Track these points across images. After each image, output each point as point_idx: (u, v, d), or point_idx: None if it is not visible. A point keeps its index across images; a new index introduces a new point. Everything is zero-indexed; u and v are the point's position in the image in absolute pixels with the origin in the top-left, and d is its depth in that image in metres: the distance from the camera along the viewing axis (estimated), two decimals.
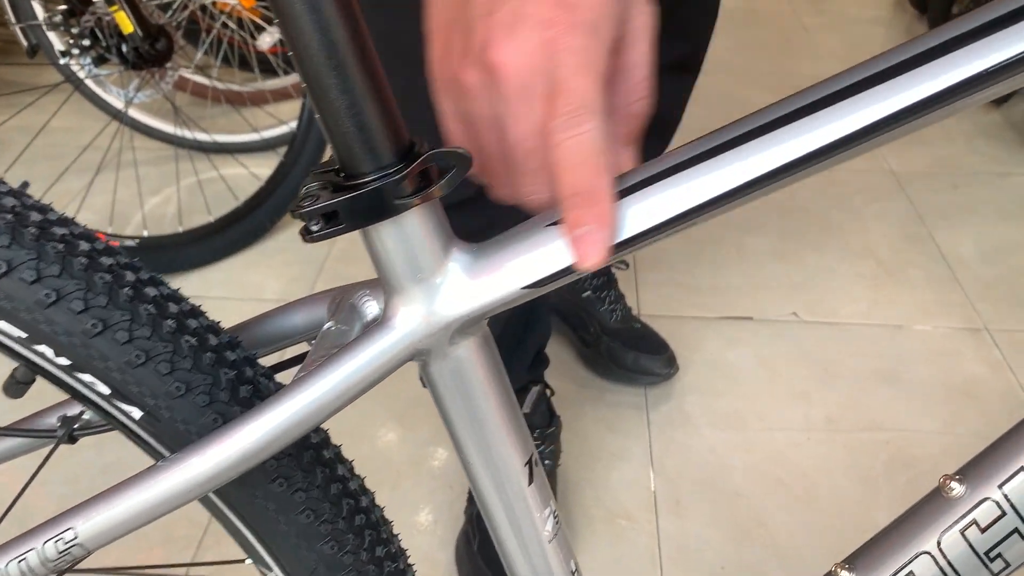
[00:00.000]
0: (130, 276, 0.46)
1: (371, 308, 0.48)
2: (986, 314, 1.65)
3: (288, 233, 1.90)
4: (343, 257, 1.81)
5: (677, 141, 1.26)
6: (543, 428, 1.26)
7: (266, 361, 0.54)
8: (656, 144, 1.23)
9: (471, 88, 0.42)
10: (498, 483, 0.49)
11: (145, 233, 1.78)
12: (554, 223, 0.42)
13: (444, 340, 0.44)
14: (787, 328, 1.63)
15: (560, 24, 0.40)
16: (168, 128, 2.07)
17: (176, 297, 0.48)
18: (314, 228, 0.41)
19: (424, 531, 1.27)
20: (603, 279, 1.53)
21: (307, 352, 0.53)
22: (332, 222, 0.41)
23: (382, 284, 0.45)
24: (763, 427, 1.44)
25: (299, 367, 0.45)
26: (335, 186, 0.41)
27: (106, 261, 0.46)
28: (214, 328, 0.49)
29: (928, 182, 2.02)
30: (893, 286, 1.73)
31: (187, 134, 2.04)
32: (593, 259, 0.40)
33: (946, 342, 1.60)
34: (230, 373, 0.48)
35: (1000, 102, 2.31)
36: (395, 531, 0.57)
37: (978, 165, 2.09)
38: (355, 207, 0.40)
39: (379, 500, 0.57)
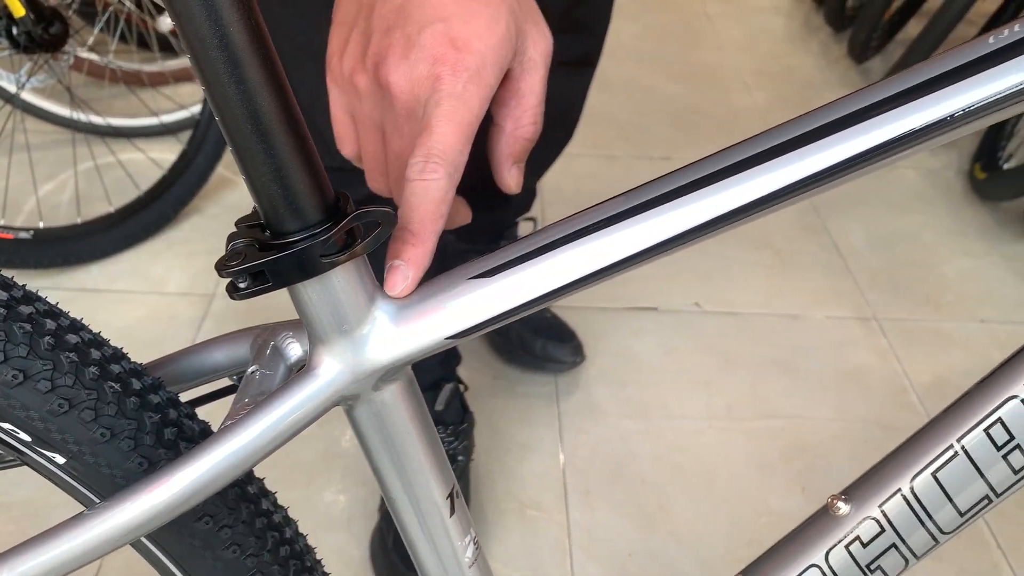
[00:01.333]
0: (50, 324, 0.46)
1: (294, 351, 0.50)
2: (875, 303, 1.74)
3: (192, 222, 1.86)
4: None
5: (582, 130, 1.29)
6: (456, 424, 1.28)
7: (187, 395, 0.54)
8: (559, 137, 1.27)
9: (362, 91, 0.47)
10: (421, 517, 0.51)
11: (40, 224, 1.72)
12: (478, 276, 0.44)
13: (369, 386, 0.46)
14: (690, 318, 1.69)
15: (447, 63, 0.43)
16: (64, 111, 2.00)
17: (98, 342, 0.48)
18: (241, 285, 0.42)
19: (338, 528, 1.28)
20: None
21: (228, 386, 0.54)
22: (259, 280, 0.42)
23: (307, 332, 0.46)
24: (667, 416, 1.50)
25: (226, 416, 0.46)
26: (261, 244, 0.42)
27: (25, 310, 0.46)
28: (137, 371, 0.49)
29: None
30: (789, 275, 1.81)
31: (83, 117, 1.97)
32: (397, 291, 0.44)
33: (838, 331, 1.68)
34: (154, 417, 0.48)
35: (860, 61, 2.41)
36: (318, 556, 0.58)
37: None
38: (282, 267, 0.41)
39: (291, 498, 0.58)
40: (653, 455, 1.43)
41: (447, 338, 0.44)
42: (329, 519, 1.30)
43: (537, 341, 1.52)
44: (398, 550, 1.19)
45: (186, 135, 1.85)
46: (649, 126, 2.28)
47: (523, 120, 0.48)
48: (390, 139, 0.47)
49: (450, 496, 0.52)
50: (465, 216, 0.50)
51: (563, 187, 1.99)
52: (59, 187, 1.94)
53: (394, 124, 0.46)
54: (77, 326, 0.48)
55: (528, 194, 1.40)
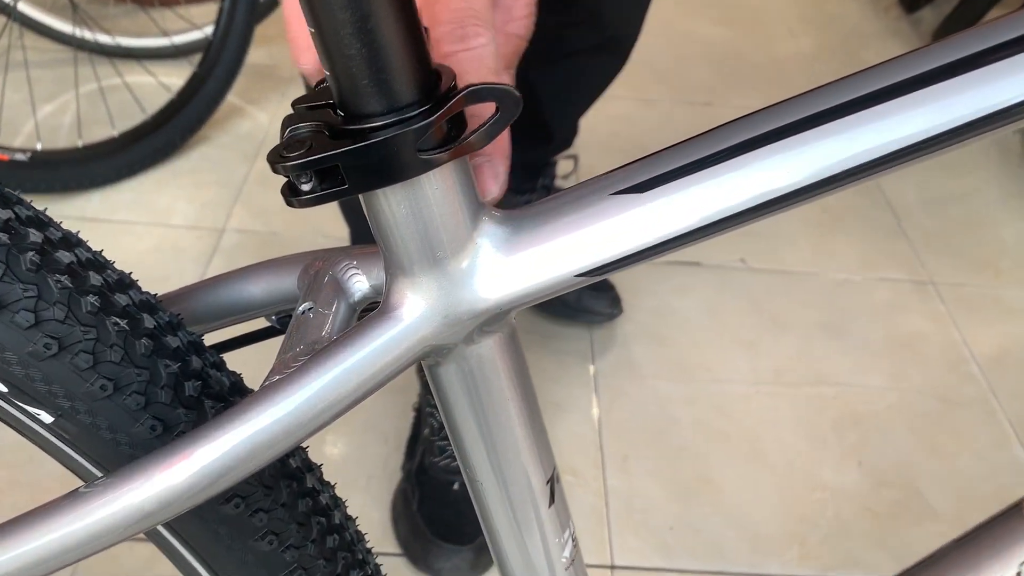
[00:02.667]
0: (34, 236, 0.34)
1: (359, 286, 0.38)
2: (930, 267, 1.62)
3: (201, 151, 1.73)
4: (265, 180, 1.65)
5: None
6: None
7: (211, 337, 0.43)
8: (612, 61, 1.14)
9: None
10: (514, 506, 0.40)
11: (38, 146, 1.59)
12: (624, 191, 0.32)
13: (462, 336, 0.34)
14: (735, 275, 1.57)
15: None
16: (65, 27, 1.85)
17: (99, 264, 0.37)
18: (304, 187, 0.30)
19: (355, 488, 1.18)
20: (542, 185, 1.41)
21: (265, 329, 0.43)
22: (330, 181, 0.30)
23: (384, 260, 0.34)
24: (710, 378, 1.38)
25: (272, 368, 0.34)
26: (333, 130, 0.30)
27: (1, 214, 0.34)
28: (151, 305, 0.38)
29: None
30: (839, 234, 1.69)
31: (87, 35, 1.83)
32: (494, 192, 0.34)
33: (891, 294, 1.57)
34: (172, 365, 0.37)
35: (910, 10, 2.27)
36: (369, 547, 0.47)
37: None
38: (364, 163, 0.29)
39: None
40: (695, 420, 1.32)
41: (579, 274, 0.32)
42: (344, 478, 1.19)
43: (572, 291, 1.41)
44: (423, 512, 1.08)
45: (197, 58, 1.71)
46: (688, 70, 2.13)
47: (515, 12, 0.39)
48: None
49: (550, 481, 0.40)
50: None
51: (598, 129, 1.85)
52: (60, 109, 1.81)
53: None
54: (72, 241, 0.36)
55: (570, 129, 1.28)
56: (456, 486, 1.10)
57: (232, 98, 1.79)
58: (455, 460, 1.11)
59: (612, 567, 1.12)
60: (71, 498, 0.33)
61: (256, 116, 1.83)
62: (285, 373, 0.33)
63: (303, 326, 0.36)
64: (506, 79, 0.37)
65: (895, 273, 1.61)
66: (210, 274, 1.46)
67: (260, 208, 1.59)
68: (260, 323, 0.44)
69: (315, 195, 0.29)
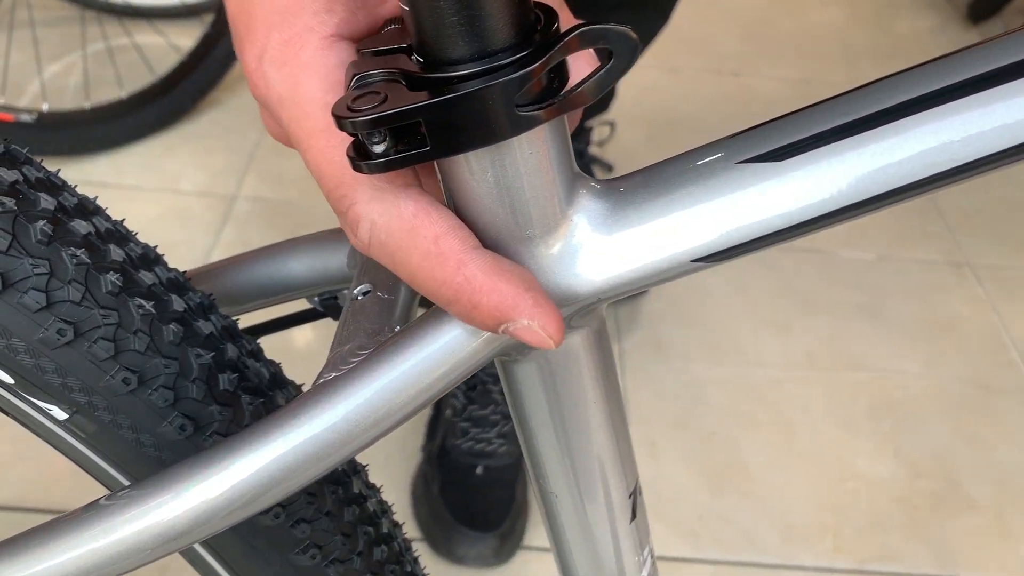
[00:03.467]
0: (46, 201, 0.29)
1: None
2: (968, 248, 1.57)
3: (212, 116, 1.67)
4: (278, 146, 1.59)
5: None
6: None
7: (245, 319, 0.37)
8: (654, 17, 1.08)
9: None
10: (592, 521, 0.35)
11: (45, 107, 1.53)
12: (754, 158, 0.27)
13: None
14: (765, 253, 1.50)
15: None
16: None
17: (121, 235, 0.31)
18: (377, 148, 0.24)
19: (372, 467, 1.12)
20: (578, 148, 1.35)
21: (306, 311, 0.37)
22: (409, 142, 0.24)
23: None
24: (740, 361, 1.33)
25: (327, 362, 0.29)
26: (412, 79, 0.24)
27: (4, 176, 0.28)
28: (179, 283, 0.32)
29: None
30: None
31: None
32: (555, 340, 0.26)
33: (928, 276, 1.51)
34: (204, 355, 0.31)
35: (978, 19, 2.20)
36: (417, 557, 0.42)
37: None
38: (453, 120, 0.24)
39: None
40: (725, 405, 1.27)
41: (697, 259, 0.27)
42: (360, 458, 1.14)
43: None
44: (445, 496, 1.04)
45: (210, 17, 1.65)
46: (715, 38, 2.06)
47: None
48: None
49: (633, 495, 0.35)
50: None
51: (622, 97, 1.78)
52: (66, 69, 1.74)
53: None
54: (89, 208, 0.31)
55: (609, 91, 1.21)
56: (480, 470, 1.05)
57: None
58: (479, 442, 1.06)
59: None
60: (91, 512, 0.28)
61: None
62: (343, 370, 0.28)
63: (360, 313, 0.30)
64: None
65: (931, 254, 1.55)
66: (221, 244, 1.41)
67: (273, 175, 1.53)
68: (298, 305, 0.39)
69: (390, 158, 0.24)
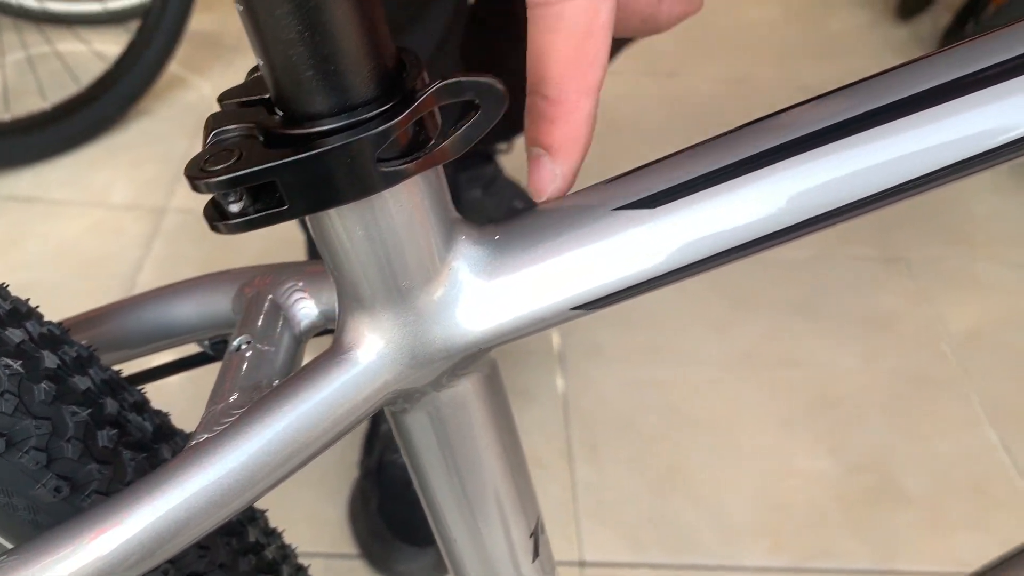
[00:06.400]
0: None
1: (306, 312, 0.31)
2: (900, 243, 1.59)
3: (141, 126, 1.63)
4: None
5: None
6: None
7: (132, 364, 0.36)
8: None
9: None
10: (493, 563, 0.34)
11: None
12: (629, 205, 0.26)
13: (434, 378, 0.28)
14: None
15: None
16: None
17: None
18: (233, 208, 0.23)
19: (308, 485, 1.11)
20: (489, 174, 1.34)
21: (195, 355, 0.36)
22: (265, 201, 0.23)
23: (336, 289, 0.28)
24: (680, 362, 1.34)
25: (202, 419, 0.28)
26: (269, 135, 0.23)
27: None
28: (53, 337, 0.31)
29: None
30: None
31: None
32: (544, 195, 0.27)
33: (863, 272, 1.53)
34: (81, 413, 0.30)
35: (907, 16, 2.24)
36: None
37: None
38: (309, 178, 0.23)
39: None
40: (665, 406, 1.28)
41: (576, 307, 0.27)
42: (297, 474, 1.12)
43: None
44: (384, 512, 1.02)
45: (135, 24, 1.61)
46: (651, 40, 2.06)
47: None
48: None
49: (534, 534, 0.34)
50: (682, 8, 0.32)
51: None
52: None
53: None
54: None
55: None
56: None
57: (174, 67, 1.69)
58: None
59: (581, 563, 1.08)
60: None
61: (200, 87, 1.73)
62: (215, 431, 0.27)
63: (238, 366, 0.29)
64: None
65: (865, 249, 1.57)
66: (152, 258, 1.37)
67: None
68: (191, 348, 0.38)
69: (246, 219, 0.23)
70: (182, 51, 1.65)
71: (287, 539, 0.40)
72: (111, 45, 1.66)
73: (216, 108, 0.26)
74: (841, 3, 2.35)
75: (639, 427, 1.24)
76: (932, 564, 1.14)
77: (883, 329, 1.43)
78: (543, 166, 0.27)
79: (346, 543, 1.05)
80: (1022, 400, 1.34)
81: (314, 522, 1.08)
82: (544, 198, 0.27)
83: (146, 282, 1.32)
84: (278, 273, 0.32)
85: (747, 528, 1.14)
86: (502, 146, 1.30)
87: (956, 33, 2.09)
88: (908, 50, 2.17)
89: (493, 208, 1.32)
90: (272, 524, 0.40)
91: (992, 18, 1.95)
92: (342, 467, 1.13)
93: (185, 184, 1.26)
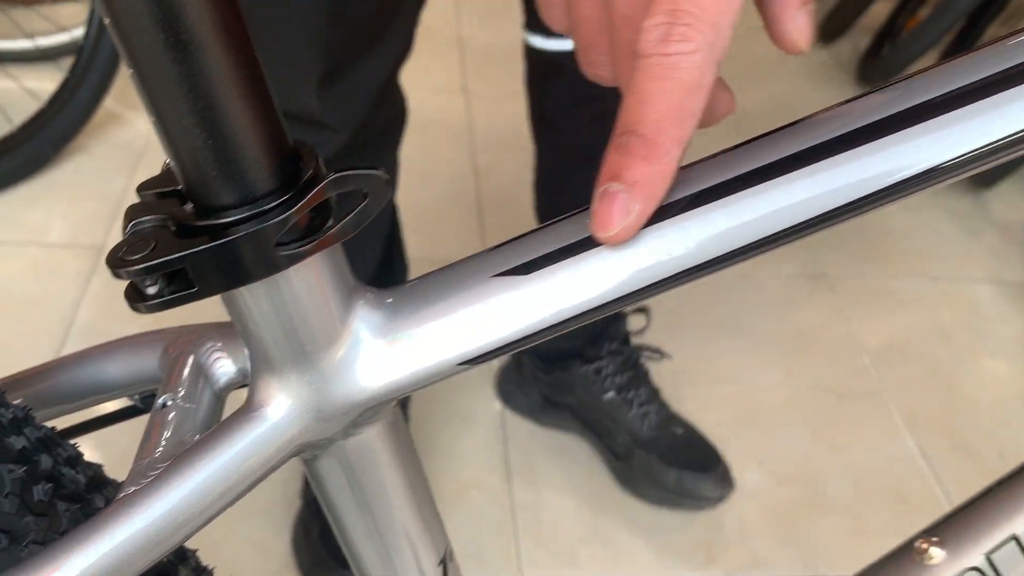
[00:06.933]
0: None
1: (224, 370, 0.35)
2: (823, 260, 1.66)
3: (76, 163, 1.64)
4: None
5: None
6: None
7: (67, 418, 0.39)
8: None
9: None
10: None
11: None
12: (506, 272, 0.30)
13: (339, 429, 0.32)
14: None
15: None
16: None
17: None
18: (150, 291, 0.27)
19: (255, 515, 1.13)
20: (629, 374, 1.24)
21: (127, 408, 0.39)
22: (177, 283, 0.27)
23: (249, 353, 0.31)
24: None
25: (129, 473, 0.31)
26: (181, 226, 0.27)
27: None
28: None
29: (762, 122, 2.00)
30: None
31: None
32: (610, 231, 0.29)
33: (789, 289, 1.60)
34: (17, 471, 0.33)
35: (828, 40, 2.33)
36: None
37: (810, 103, 2.09)
38: (215, 264, 0.26)
39: None
40: None
41: (461, 363, 0.30)
42: (244, 505, 1.14)
43: (670, 471, 1.20)
44: (325, 541, 1.05)
45: (68, 62, 1.62)
46: None
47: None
48: None
49: (442, 562, 0.38)
50: (727, 107, 0.33)
51: (502, 130, 1.83)
52: None
53: None
54: None
55: None
56: None
57: (109, 103, 1.70)
58: None
59: None
60: None
61: (135, 123, 1.74)
62: (142, 483, 0.30)
63: (162, 422, 0.32)
64: (799, 24, 0.31)
65: (790, 268, 1.64)
66: (90, 297, 1.38)
67: None
68: (124, 401, 0.40)
69: (162, 299, 0.26)
70: (117, 87, 1.66)
71: (233, 570, 0.43)
72: (44, 83, 1.66)
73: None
74: (761, 27, 2.43)
75: (574, 447, 1.28)
76: (853, 567, 1.19)
77: (806, 344, 1.50)
78: (617, 201, 0.28)
79: (291, 572, 1.07)
80: (938, 409, 1.42)
81: (262, 551, 1.10)
82: (611, 233, 0.28)
83: (85, 320, 1.32)
84: (199, 334, 0.35)
85: (681, 542, 1.18)
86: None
87: (874, 55, 2.18)
88: (830, 73, 2.26)
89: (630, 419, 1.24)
90: (206, 561, 0.43)
91: (906, 40, 2.04)
92: (286, 498, 1.15)
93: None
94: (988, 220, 1.81)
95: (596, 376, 1.23)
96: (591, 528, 1.18)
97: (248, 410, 0.30)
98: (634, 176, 0.28)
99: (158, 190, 0.28)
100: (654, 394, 1.26)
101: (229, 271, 0.26)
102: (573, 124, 1.05)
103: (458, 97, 1.88)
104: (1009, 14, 2.05)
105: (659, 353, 1.30)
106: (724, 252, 0.30)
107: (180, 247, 0.26)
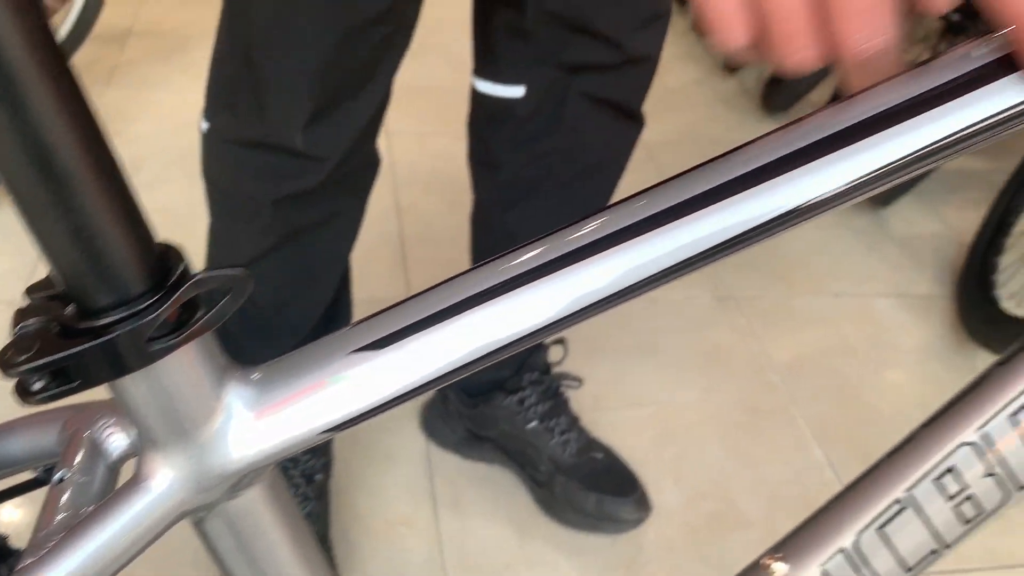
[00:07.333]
0: None
1: (117, 444, 0.38)
2: (731, 282, 1.74)
3: None
4: None
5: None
6: None
7: None
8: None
9: None
10: None
11: None
12: (363, 348, 0.34)
13: (221, 494, 0.36)
14: None
15: None
16: None
17: None
18: (36, 387, 0.30)
19: (185, 564, 1.15)
20: (550, 403, 1.29)
21: (31, 480, 0.42)
22: (63, 379, 0.30)
23: (135, 430, 0.35)
24: None
25: (28, 544, 0.34)
26: (64, 327, 0.31)
27: None
28: None
29: (673, 150, 2.10)
30: None
31: None
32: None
33: (698, 311, 1.67)
34: None
35: (735, 68, 2.43)
36: None
37: (718, 132, 2.20)
38: (93, 361, 0.30)
39: None
40: None
41: (323, 432, 0.34)
42: (173, 552, 1.16)
43: (590, 496, 1.25)
44: None
45: None
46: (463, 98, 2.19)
47: None
48: None
49: None
50: None
51: (419, 167, 1.88)
52: None
53: None
54: None
55: None
56: None
57: None
58: None
59: None
60: None
61: None
62: (39, 555, 0.33)
63: (59, 495, 0.36)
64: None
65: (699, 291, 1.71)
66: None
67: None
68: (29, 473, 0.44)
69: (48, 393, 0.30)
70: None
71: None
72: None
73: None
74: (673, 59, 2.53)
75: (497, 478, 1.32)
76: None
77: (718, 364, 1.56)
78: None
79: None
80: (844, 420, 1.49)
81: None
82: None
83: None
84: (94, 411, 0.39)
85: (604, 562, 1.23)
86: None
87: (776, 82, 2.28)
88: (736, 101, 2.36)
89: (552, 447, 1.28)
90: None
91: None
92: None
93: (42, 272, 1.30)
94: (887, 236, 1.91)
95: (519, 406, 1.28)
96: (517, 554, 1.22)
97: (135, 482, 0.34)
98: None
99: (45, 293, 0.32)
100: (574, 422, 1.31)
101: (108, 366, 0.30)
102: (516, 164, 1.10)
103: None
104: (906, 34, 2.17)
105: (578, 381, 1.35)
106: (572, 311, 0.34)
107: (62, 347, 0.30)
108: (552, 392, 1.30)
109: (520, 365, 1.28)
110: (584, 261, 0.34)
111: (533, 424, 1.27)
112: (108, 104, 1.94)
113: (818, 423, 1.48)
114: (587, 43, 0.97)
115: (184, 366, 0.32)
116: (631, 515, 1.25)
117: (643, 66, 1.03)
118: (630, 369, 1.53)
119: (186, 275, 0.31)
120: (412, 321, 0.34)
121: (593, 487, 1.24)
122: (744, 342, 1.61)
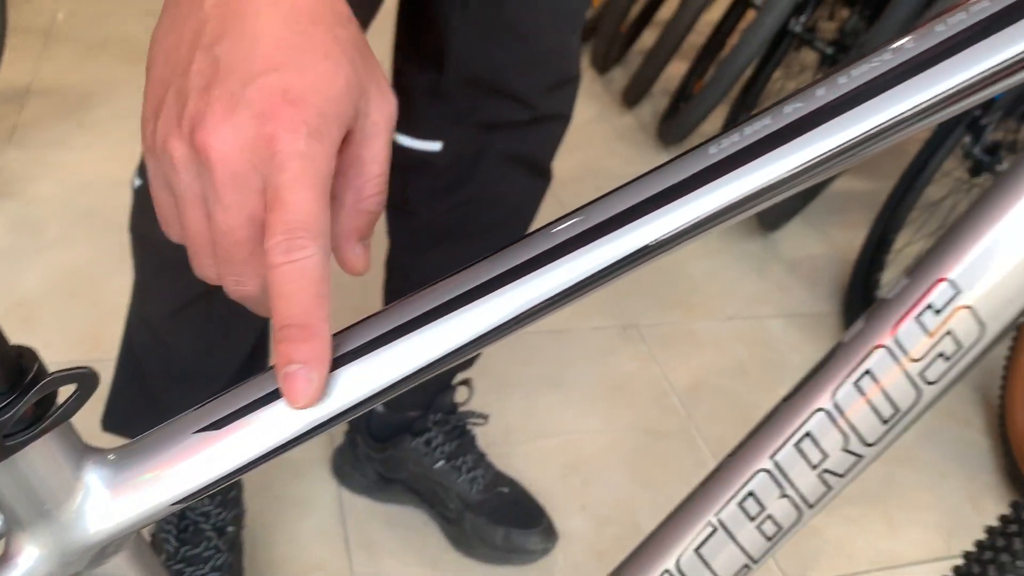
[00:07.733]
0: None
1: None
2: (632, 311, 1.82)
3: None
4: (27, 298, 1.58)
5: None
6: (223, 493, 1.20)
7: None
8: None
9: (177, 161, 0.38)
10: None
11: None
12: (205, 428, 0.39)
13: (86, 564, 0.40)
14: None
15: (280, 120, 0.36)
16: None
17: None
18: None
19: None
20: (457, 442, 1.34)
21: None
22: None
23: (3, 512, 0.39)
24: None
25: None
26: None
27: None
28: None
29: (575, 186, 2.17)
30: None
31: None
32: (303, 400, 0.37)
33: (603, 341, 1.74)
34: None
35: (631, 103, 2.53)
36: None
37: (617, 167, 2.29)
38: None
39: None
40: None
41: (174, 504, 0.39)
42: None
43: (498, 530, 1.30)
44: None
45: None
46: None
47: (366, 191, 0.42)
48: (214, 214, 0.39)
49: None
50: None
51: None
52: None
53: (216, 196, 0.38)
54: None
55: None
56: None
57: None
58: None
59: None
60: None
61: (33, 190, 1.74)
62: None
63: None
64: (357, 255, 0.42)
65: (604, 320, 1.79)
66: None
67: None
68: None
69: None
70: None
71: None
72: None
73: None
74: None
75: (408, 517, 1.36)
76: None
77: (622, 390, 1.63)
78: (300, 377, 0.37)
79: None
80: (740, 437, 1.57)
81: None
82: (305, 403, 0.37)
83: None
84: None
85: None
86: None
87: (672, 115, 2.39)
88: (633, 135, 2.46)
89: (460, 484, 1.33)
90: None
91: (696, 101, 2.25)
92: None
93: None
94: (777, 259, 2.02)
95: (427, 447, 1.32)
96: None
97: (3, 560, 0.38)
98: (304, 355, 0.37)
99: None
100: (480, 458, 1.36)
101: None
102: (431, 212, 1.15)
103: None
104: (786, 65, 2.29)
105: (484, 418, 1.40)
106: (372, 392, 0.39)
107: None
108: (458, 432, 1.35)
109: (427, 407, 1.33)
110: (469, 304, 0.39)
111: (440, 464, 1.32)
112: (9, 165, 1.94)
113: (716, 442, 1.55)
114: (503, 103, 1.04)
115: (43, 455, 0.37)
116: (538, 545, 1.31)
117: (556, 123, 1.11)
118: (538, 401, 1.59)
119: (41, 374, 0.36)
120: (247, 402, 0.39)
121: (501, 521, 1.30)
122: (646, 368, 1.69)
